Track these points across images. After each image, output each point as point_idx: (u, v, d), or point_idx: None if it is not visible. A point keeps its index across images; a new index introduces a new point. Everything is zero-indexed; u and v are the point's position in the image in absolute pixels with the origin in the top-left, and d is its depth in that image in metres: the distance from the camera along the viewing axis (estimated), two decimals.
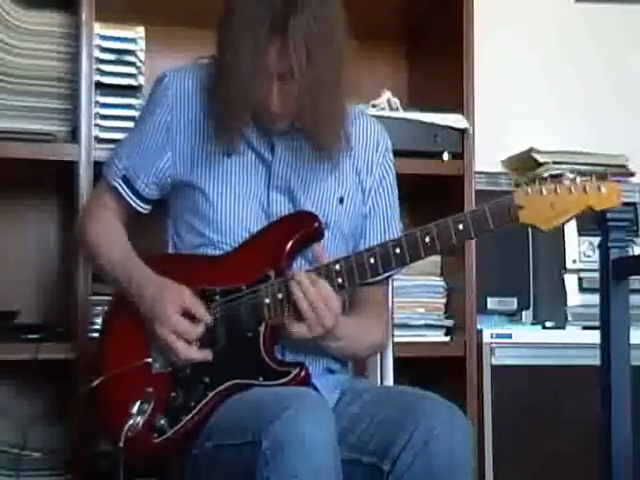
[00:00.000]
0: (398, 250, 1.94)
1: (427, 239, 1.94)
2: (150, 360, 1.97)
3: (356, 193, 2.13)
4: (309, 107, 1.96)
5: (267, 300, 1.95)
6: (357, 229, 2.13)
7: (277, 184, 2.07)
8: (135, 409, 1.92)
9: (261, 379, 1.93)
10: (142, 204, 2.13)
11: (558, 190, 1.90)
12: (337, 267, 1.95)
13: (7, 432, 2.58)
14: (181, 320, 1.94)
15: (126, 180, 2.11)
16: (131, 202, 2.11)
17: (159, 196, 2.13)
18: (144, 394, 1.94)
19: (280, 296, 1.94)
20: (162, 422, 1.93)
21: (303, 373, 1.93)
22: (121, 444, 1.89)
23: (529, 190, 1.90)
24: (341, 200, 2.11)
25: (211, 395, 1.94)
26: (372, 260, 1.95)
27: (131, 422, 1.91)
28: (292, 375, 1.93)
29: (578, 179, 1.90)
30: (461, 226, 1.92)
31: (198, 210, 2.06)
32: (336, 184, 2.11)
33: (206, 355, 1.95)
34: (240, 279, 1.99)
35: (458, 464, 1.81)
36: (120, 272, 2.04)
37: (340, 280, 1.95)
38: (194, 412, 1.93)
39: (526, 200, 1.91)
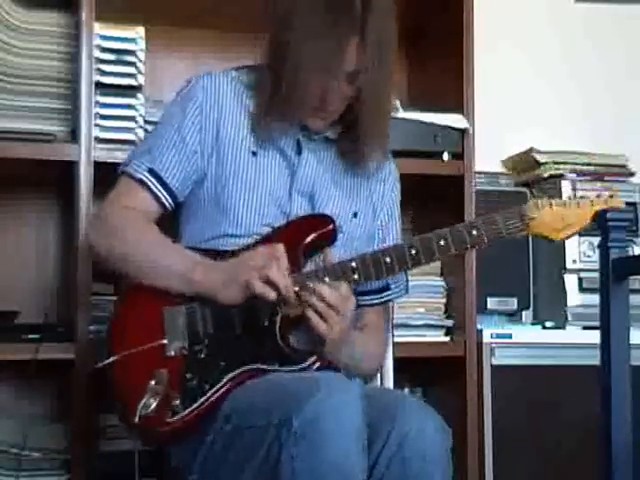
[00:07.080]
0: (414, 251, 2.00)
1: (442, 242, 2.00)
2: (165, 342, 1.96)
3: (368, 213, 2.17)
4: (370, 110, 2.05)
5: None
6: (366, 248, 2.12)
7: (300, 187, 2.10)
8: (148, 389, 1.91)
9: (277, 365, 1.94)
10: (169, 198, 2.08)
11: (566, 205, 2.03)
12: (353, 264, 1.99)
13: (7, 432, 2.58)
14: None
15: (153, 173, 2.07)
16: (159, 194, 2.07)
17: (183, 193, 2.10)
18: (157, 375, 1.92)
19: (296, 289, 1.94)
20: (177, 402, 1.92)
21: (320, 362, 1.94)
22: (136, 420, 1.87)
23: (539, 203, 2.03)
24: (355, 215, 2.15)
25: (226, 379, 1.94)
26: (388, 259, 2.00)
27: (144, 401, 1.89)
28: (310, 362, 1.94)
29: (585, 198, 2.05)
30: (475, 231, 2.01)
31: (219, 201, 2.06)
32: (351, 199, 2.15)
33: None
34: None
35: (431, 466, 1.80)
36: (165, 254, 2.02)
37: (356, 276, 1.98)
38: (209, 394, 1.93)
39: (537, 212, 2.03)
